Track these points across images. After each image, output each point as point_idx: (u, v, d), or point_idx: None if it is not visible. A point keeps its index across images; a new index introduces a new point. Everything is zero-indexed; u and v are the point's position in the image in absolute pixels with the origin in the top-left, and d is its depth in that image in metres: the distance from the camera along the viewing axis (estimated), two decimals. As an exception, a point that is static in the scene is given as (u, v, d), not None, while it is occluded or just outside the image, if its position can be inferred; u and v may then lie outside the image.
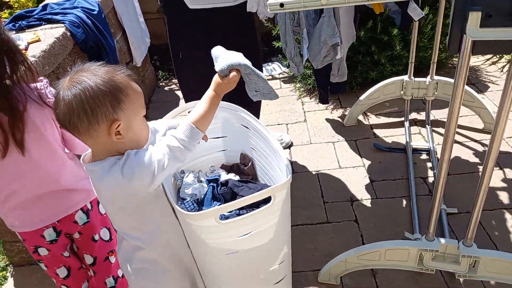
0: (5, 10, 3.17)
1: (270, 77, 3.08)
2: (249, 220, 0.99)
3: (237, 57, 0.96)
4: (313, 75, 2.44)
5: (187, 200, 1.30)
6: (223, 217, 1.14)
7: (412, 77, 2.25)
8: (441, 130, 2.30)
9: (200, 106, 0.95)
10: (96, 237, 1.29)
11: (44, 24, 1.99)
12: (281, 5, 1.04)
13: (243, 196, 1.10)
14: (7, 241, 1.74)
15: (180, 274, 1.15)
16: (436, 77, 2.24)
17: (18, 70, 1.04)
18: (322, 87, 2.42)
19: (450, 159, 1.18)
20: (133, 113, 0.92)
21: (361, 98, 2.37)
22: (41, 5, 2.23)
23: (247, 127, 1.37)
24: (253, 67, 0.96)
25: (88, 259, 1.33)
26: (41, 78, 1.12)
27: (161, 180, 0.95)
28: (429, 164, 2.07)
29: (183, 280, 1.17)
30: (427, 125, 2.32)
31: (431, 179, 1.98)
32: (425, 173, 2.02)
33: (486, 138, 2.20)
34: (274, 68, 3.18)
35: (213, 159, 1.48)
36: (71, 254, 1.31)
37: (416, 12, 1.53)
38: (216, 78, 0.97)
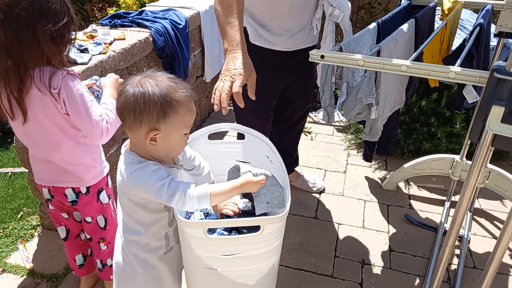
0: (113, 7, 3.61)
1: (324, 122, 3.13)
2: (233, 242, 1.05)
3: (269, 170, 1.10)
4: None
5: (197, 210, 1.40)
6: (221, 234, 1.21)
7: (464, 159, 2.17)
8: (483, 221, 2.17)
9: (224, 186, 1.05)
10: (88, 219, 1.43)
11: (134, 27, 2.26)
12: (322, 56, 1.12)
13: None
14: (43, 204, 1.95)
15: (169, 277, 1.21)
16: (490, 166, 2.14)
17: (63, 51, 1.20)
18: (368, 144, 2.43)
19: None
20: (175, 128, 1.02)
21: (406, 165, 2.33)
22: (139, 9, 2.54)
23: (269, 159, 1.44)
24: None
25: (86, 235, 1.51)
26: (67, 70, 1.22)
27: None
28: (457, 251, 1.95)
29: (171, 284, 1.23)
30: (468, 211, 2.21)
31: (453, 267, 1.87)
32: (450, 259, 1.91)
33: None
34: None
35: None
36: (70, 218, 1.48)
37: (471, 95, 1.52)
38: (248, 176, 1.07)
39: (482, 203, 2.30)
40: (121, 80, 1.41)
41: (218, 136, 1.83)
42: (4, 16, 1.09)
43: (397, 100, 1.62)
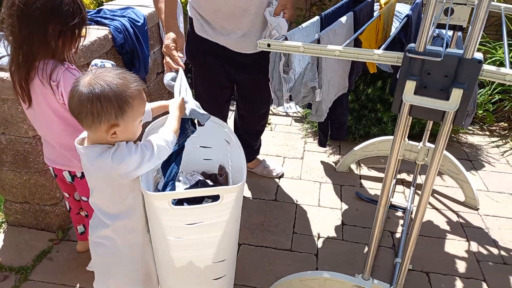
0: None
1: (285, 113, 3.30)
2: (196, 211, 1.18)
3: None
4: (317, 118, 2.63)
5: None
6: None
7: (407, 139, 2.40)
8: (424, 195, 2.41)
9: (173, 121, 1.21)
10: (84, 198, 1.55)
11: (93, 25, 2.31)
12: (268, 45, 1.27)
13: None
14: (8, 201, 1.98)
15: (135, 262, 1.29)
16: (428, 144, 2.38)
17: (70, 49, 1.35)
18: (322, 131, 2.61)
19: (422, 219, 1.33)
20: (132, 120, 1.12)
21: (356, 148, 2.53)
22: (97, 8, 2.59)
23: (228, 143, 1.57)
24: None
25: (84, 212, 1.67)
26: (68, 64, 1.37)
27: (144, 171, 1.13)
28: (401, 221, 2.17)
29: (136, 269, 1.31)
30: (411, 187, 2.44)
31: (398, 235, 2.08)
32: (395, 228, 2.12)
33: (464, 210, 2.28)
34: (290, 107, 3.40)
35: (196, 165, 1.69)
36: (71, 197, 1.66)
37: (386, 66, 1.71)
38: (181, 103, 1.26)
39: (424, 179, 2.54)
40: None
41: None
42: (21, 13, 1.23)
43: (341, 85, 1.79)
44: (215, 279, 1.35)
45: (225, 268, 1.36)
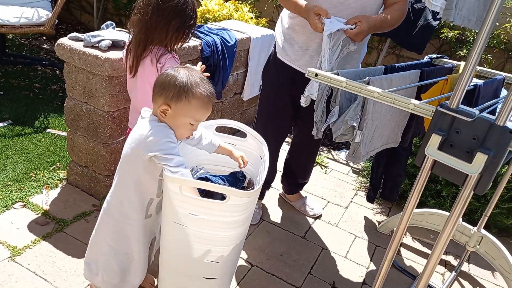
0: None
1: (346, 162, 3.27)
2: (201, 203, 1.25)
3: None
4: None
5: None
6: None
7: (461, 219, 2.22)
8: (466, 284, 2.18)
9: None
10: None
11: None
12: (316, 74, 1.34)
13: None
14: (73, 161, 2.27)
15: (135, 235, 1.40)
16: (483, 232, 2.18)
17: (178, 43, 1.69)
18: (373, 186, 2.55)
19: None
20: (183, 114, 1.28)
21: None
22: (199, 24, 2.91)
23: (262, 159, 1.64)
24: None
25: None
26: (174, 54, 1.70)
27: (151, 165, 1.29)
28: (429, 302, 1.99)
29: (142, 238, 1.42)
30: (454, 271, 2.23)
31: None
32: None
33: (507, 316, 2.01)
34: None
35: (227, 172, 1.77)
36: None
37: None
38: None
39: (472, 269, 2.30)
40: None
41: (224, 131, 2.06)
42: (157, 5, 1.57)
43: (390, 138, 1.77)
44: (206, 278, 1.39)
45: (219, 270, 1.40)
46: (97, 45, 1.92)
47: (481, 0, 1.61)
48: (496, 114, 0.98)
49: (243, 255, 2.05)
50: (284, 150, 2.52)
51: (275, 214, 2.44)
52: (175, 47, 1.70)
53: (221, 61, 2.70)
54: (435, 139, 1.06)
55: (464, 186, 1.07)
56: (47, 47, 4.38)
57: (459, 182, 1.08)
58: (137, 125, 1.34)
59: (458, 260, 2.31)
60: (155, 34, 1.62)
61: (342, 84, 1.27)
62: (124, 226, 1.38)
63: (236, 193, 1.24)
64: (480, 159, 0.99)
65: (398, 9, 1.78)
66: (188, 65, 1.36)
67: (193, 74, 1.29)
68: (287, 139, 2.64)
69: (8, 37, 4.19)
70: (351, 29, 1.65)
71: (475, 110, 1.03)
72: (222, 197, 1.47)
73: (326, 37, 1.62)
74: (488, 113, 1.17)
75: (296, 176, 2.45)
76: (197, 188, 1.27)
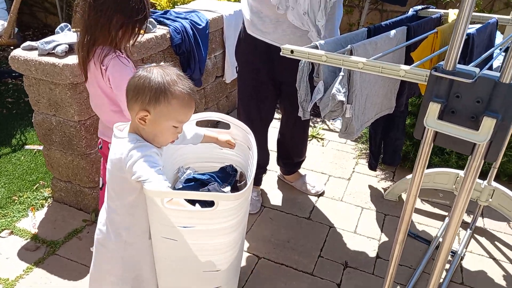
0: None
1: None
2: (186, 214, 1.13)
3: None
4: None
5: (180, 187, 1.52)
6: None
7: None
8: (483, 240, 2.10)
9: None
10: None
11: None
12: (292, 51, 1.19)
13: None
14: (55, 178, 2.14)
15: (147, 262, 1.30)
16: (494, 184, 2.07)
17: (129, 41, 1.48)
18: (373, 153, 2.42)
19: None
20: (163, 117, 1.13)
21: (409, 176, 2.30)
22: (164, 10, 2.72)
23: (250, 149, 1.52)
24: None
25: None
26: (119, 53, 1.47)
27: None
28: (447, 266, 1.91)
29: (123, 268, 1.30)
30: (468, 229, 2.14)
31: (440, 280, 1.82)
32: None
33: (528, 267, 1.93)
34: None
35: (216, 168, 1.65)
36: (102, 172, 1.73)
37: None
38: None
39: (486, 223, 2.22)
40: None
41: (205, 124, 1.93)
42: (93, 2, 1.38)
43: (384, 105, 1.63)
44: (208, 289, 1.30)
45: (219, 280, 1.30)
46: (53, 51, 1.75)
47: None
48: (500, 70, 0.85)
49: (249, 248, 1.96)
50: (275, 127, 2.38)
51: (276, 198, 2.34)
52: (127, 45, 1.50)
53: (194, 46, 2.52)
54: (433, 108, 0.93)
55: (472, 156, 0.94)
56: (16, 57, 4.17)
57: (467, 152, 0.95)
58: (114, 146, 1.19)
59: (472, 216, 2.22)
60: (97, 33, 1.41)
61: (322, 58, 1.13)
62: (127, 253, 1.27)
63: (224, 197, 1.12)
64: (488, 124, 0.87)
65: None
66: (162, 63, 1.19)
67: (168, 71, 1.14)
68: (276, 116, 2.49)
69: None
70: None
71: (474, 69, 0.89)
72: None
73: None
74: (487, 65, 1.03)
75: (291, 156, 2.33)
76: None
